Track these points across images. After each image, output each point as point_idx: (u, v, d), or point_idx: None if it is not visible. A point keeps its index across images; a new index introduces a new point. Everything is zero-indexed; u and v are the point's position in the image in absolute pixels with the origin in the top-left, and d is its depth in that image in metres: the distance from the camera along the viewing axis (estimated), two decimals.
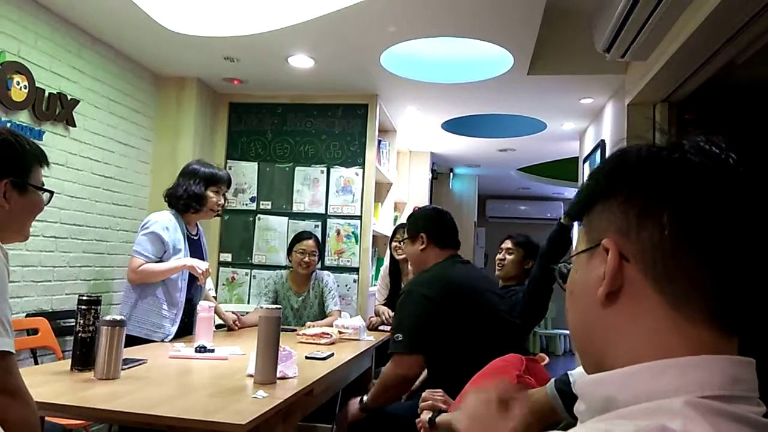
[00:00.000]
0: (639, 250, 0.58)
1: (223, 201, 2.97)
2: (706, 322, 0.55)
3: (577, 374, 1.36)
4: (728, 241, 0.55)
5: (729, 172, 0.57)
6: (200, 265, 2.76)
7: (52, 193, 1.40)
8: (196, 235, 2.99)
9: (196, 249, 2.93)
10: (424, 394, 1.96)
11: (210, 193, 2.90)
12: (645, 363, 0.54)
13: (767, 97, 3.11)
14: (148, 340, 2.66)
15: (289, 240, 3.88)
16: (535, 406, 1.54)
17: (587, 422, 0.56)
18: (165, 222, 2.77)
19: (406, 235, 2.59)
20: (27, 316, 3.09)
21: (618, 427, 0.50)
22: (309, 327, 3.24)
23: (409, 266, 3.78)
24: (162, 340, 2.71)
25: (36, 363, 2.93)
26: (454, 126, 5.34)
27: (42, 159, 1.37)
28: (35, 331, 3.01)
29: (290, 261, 3.71)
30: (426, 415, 1.88)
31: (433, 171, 6.94)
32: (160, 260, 2.75)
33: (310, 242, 3.66)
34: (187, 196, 2.84)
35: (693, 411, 0.49)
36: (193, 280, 2.87)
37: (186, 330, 2.85)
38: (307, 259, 3.61)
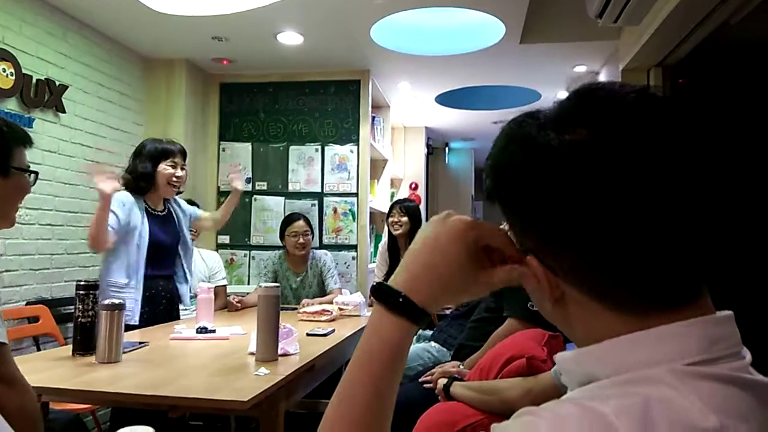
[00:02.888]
0: (559, 270, 0.57)
1: (181, 173, 2.86)
2: (655, 312, 0.54)
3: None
4: (618, 243, 0.52)
5: (583, 170, 0.53)
6: (100, 183, 2.49)
7: (36, 174, 1.36)
8: (162, 211, 2.90)
9: (161, 225, 2.84)
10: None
11: (162, 167, 2.81)
12: (622, 336, 0.54)
13: (761, 58, 3.08)
14: None
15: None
16: (542, 390, 1.56)
17: (569, 393, 0.56)
18: (122, 199, 2.70)
19: None
20: (27, 304, 3.09)
21: (598, 399, 0.50)
22: (305, 305, 3.24)
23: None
24: (130, 323, 2.60)
25: (38, 350, 2.94)
26: (447, 99, 5.30)
27: (25, 140, 1.32)
28: (36, 319, 3.02)
29: (284, 245, 3.70)
30: (442, 382, 1.90)
31: (428, 146, 6.91)
32: (119, 242, 2.68)
33: (301, 222, 3.64)
34: (135, 177, 2.79)
35: (674, 378, 0.49)
36: (162, 265, 2.82)
37: (162, 314, 2.82)
38: (301, 240, 3.60)
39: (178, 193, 2.98)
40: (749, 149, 3.01)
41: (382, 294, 0.63)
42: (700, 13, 2.58)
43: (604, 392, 0.51)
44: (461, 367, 2.24)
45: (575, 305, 0.58)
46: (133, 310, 2.69)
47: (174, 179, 2.84)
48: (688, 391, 0.49)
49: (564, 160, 0.54)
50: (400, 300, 0.61)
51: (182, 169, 2.88)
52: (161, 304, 2.84)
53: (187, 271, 2.97)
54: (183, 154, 2.92)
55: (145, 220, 2.77)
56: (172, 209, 2.99)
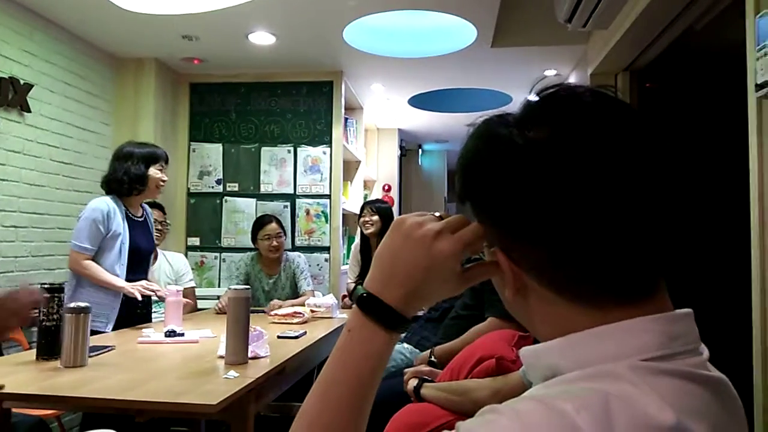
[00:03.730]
0: (522, 264, 0.58)
1: (166, 177, 2.91)
2: (615, 306, 0.55)
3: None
4: (578, 236, 0.53)
5: (543, 164, 0.54)
6: (135, 292, 2.65)
7: None
8: (141, 217, 2.91)
9: (141, 231, 2.86)
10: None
11: (152, 171, 2.83)
12: (584, 331, 0.55)
13: (725, 63, 3.16)
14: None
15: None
16: (510, 390, 1.57)
17: (532, 389, 0.57)
18: (103, 207, 2.69)
19: None
20: None
21: (558, 395, 0.50)
22: (275, 306, 3.22)
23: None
24: (102, 331, 2.62)
25: (1, 355, 2.86)
26: (420, 102, 5.33)
27: None
28: None
29: (256, 247, 3.67)
30: (412, 383, 1.90)
31: (401, 148, 6.93)
32: (99, 248, 2.70)
33: (273, 225, 3.61)
34: (128, 179, 2.78)
35: (633, 374, 0.51)
36: (138, 270, 2.82)
37: (138, 318, 2.81)
38: (274, 243, 3.57)
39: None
40: (712, 151, 3.08)
41: (370, 306, 0.62)
42: (665, 17, 2.64)
43: (565, 388, 0.52)
44: (433, 359, 2.24)
45: (537, 299, 0.59)
46: (109, 318, 2.68)
47: (161, 183, 2.87)
48: (647, 386, 0.50)
49: (527, 157, 0.55)
50: (394, 316, 0.62)
51: (165, 172, 2.92)
52: (138, 308, 2.81)
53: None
54: (167, 158, 2.96)
55: (126, 226, 2.77)
56: (147, 214, 2.99)
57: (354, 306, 0.64)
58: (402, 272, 0.62)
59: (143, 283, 2.72)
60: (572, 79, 4.35)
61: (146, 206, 3.03)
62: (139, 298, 2.65)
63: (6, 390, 1.62)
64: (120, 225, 2.74)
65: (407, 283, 0.62)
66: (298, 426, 0.61)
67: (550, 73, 4.40)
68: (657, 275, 0.57)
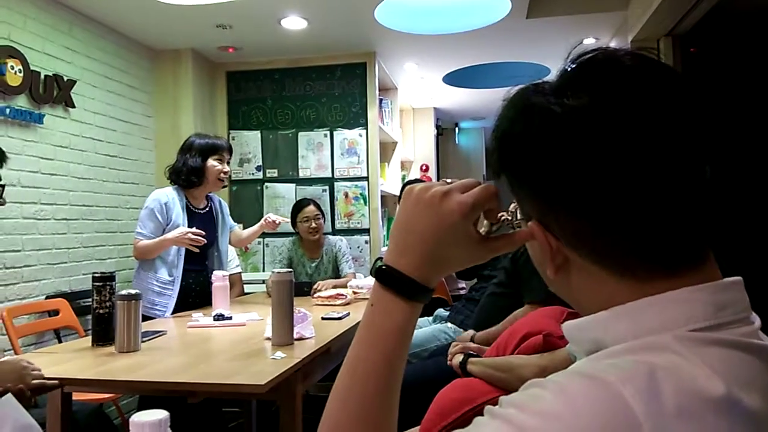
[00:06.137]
0: (562, 236, 0.57)
1: (227, 168, 2.94)
2: (659, 277, 0.54)
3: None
4: (622, 205, 0.52)
5: (581, 136, 0.53)
6: (180, 236, 2.67)
7: (3, 187, 1.36)
8: (203, 209, 2.96)
9: (201, 222, 2.86)
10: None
11: (211, 163, 2.88)
12: (628, 303, 0.54)
13: None
14: (147, 317, 2.61)
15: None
16: (556, 367, 1.55)
17: (576, 363, 0.56)
18: (162, 198, 2.78)
19: None
20: (47, 298, 3.14)
21: (604, 368, 0.49)
22: (320, 287, 3.27)
23: None
24: (160, 317, 2.71)
25: (60, 342, 2.99)
26: (455, 79, 5.26)
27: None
28: (56, 312, 3.06)
29: (297, 231, 3.71)
30: (458, 359, 1.90)
31: (437, 127, 6.87)
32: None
33: (311, 207, 3.64)
34: (186, 171, 2.84)
35: (680, 344, 0.49)
36: (197, 261, 2.86)
37: (194, 306, 2.85)
38: (313, 224, 3.61)
39: (223, 187, 3.03)
40: (761, 116, 2.96)
41: (388, 278, 0.62)
42: None
43: (610, 361, 0.51)
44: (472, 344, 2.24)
45: (579, 273, 0.58)
46: (168, 306, 2.76)
47: (222, 174, 2.91)
48: (694, 357, 0.48)
49: (567, 125, 0.54)
50: (412, 285, 0.62)
51: (228, 163, 2.96)
52: (190, 296, 2.88)
53: (214, 263, 3.01)
54: (229, 149, 2.99)
55: (185, 217, 2.83)
56: (213, 208, 3.03)
57: (374, 281, 0.64)
58: (415, 239, 0.62)
59: (186, 232, 2.70)
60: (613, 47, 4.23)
61: (215, 198, 3.07)
62: (183, 237, 2.66)
63: (66, 375, 1.70)
64: (179, 216, 2.80)
65: (421, 249, 0.62)
66: (331, 405, 0.62)
67: (590, 41, 4.27)
68: (703, 244, 0.55)
